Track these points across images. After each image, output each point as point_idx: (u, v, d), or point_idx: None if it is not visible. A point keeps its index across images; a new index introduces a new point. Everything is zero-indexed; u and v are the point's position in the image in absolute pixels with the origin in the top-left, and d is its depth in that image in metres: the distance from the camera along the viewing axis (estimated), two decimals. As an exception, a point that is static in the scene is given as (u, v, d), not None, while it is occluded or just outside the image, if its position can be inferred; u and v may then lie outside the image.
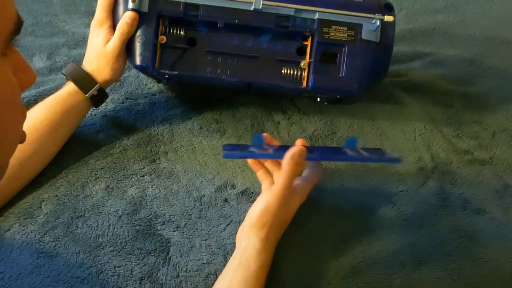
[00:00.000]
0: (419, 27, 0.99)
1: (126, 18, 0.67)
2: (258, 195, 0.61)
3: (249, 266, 0.56)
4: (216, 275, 0.60)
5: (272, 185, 0.61)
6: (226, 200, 0.68)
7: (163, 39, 0.69)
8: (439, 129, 0.79)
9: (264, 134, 0.64)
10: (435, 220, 0.67)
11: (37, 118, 0.66)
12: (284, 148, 0.60)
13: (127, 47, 0.69)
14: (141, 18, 0.67)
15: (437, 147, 0.76)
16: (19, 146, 0.64)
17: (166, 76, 0.70)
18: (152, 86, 0.81)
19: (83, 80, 0.68)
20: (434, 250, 0.64)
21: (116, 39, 0.67)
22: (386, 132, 0.78)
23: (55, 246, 0.61)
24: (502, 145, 0.78)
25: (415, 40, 0.97)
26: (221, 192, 0.68)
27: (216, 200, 0.68)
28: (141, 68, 0.70)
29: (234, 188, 0.69)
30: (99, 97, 0.70)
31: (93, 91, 0.68)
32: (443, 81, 0.87)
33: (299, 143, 0.63)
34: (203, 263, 0.61)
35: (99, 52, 0.68)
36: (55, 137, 0.68)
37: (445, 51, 0.94)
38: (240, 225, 0.61)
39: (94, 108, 0.74)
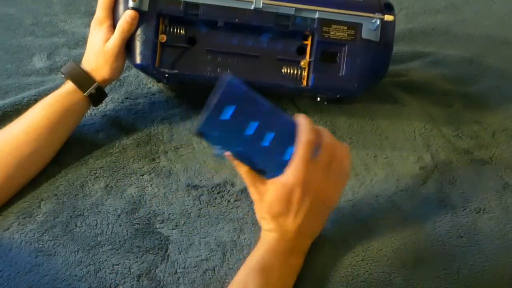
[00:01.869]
0: (419, 27, 0.99)
1: (126, 16, 0.67)
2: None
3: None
4: (214, 271, 0.60)
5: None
6: (225, 198, 0.68)
7: (163, 38, 0.69)
8: (439, 128, 0.79)
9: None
10: (435, 219, 0.67)
11: (35, 117, 0.66)
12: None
13: (127, 46, 0.69)
14: (141, 17, 0.67)
15: (437, 147, 0.76)
16: (18, 145, 0.64)
17: (166, 75, 0.70)
18: (152, 85, 0.82)
19: (82, 79, 0.68)
20: (434, 249, 0.64)
21: (116, 38, 0.67)
22: (386, 132, 0.78)
23: (53, 245, 0.61)
24: (502, 145, 0.78)
25: (415, 40, 0.97)
26: (221, 190, 0.68)
27: (215, 198, 0.67)
28: (141, 67, 0.70)
29: (233, 187, 0.69)
30: (98, 96, 0.70)
31: (92, 89, 0.68)
32: (443, 81, 0.87)
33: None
34: (202, 260, 0.61)
35: (98, 50, 0.68)
36: (54, 137, 0.68)
37: (445, 51, 0.94)
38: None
39: (94, 107, 0.74)
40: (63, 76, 0.69)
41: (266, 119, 0.55)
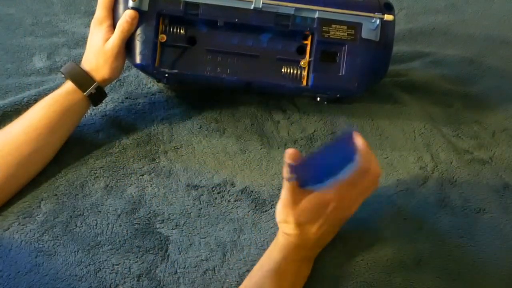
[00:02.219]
0: (419, 27, 0.99)
1: (126, 16, 0.67)
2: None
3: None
4: (214, 271, 0.60)
5: None
6: (225, 198, 0.68)
7: (163, 37, 0.69)
8: (439, 128, 0.79)
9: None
10: (435, 219, 0.67)
11: (35, 117, 0.66)
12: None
13: (127, 45, 0.69)
14: (141, 16, 0.67)
15: (437, 147, 0.76)
16: (18, 145, 0.64)
17: (166, 75, 0.70)
18: (152, 85, 0.81)
19: (81, 79, 0.68)
20: (434, 249, 0.64)
21: (116, 37, 0.67)
22: (386, 132, 0.78)
23: (53, 245, 0.61)
24: (502, 145, 0.78)
25: (415, 40, 0.97)
26: (221, 190, 0.68)
27: (215, 198, 0.68)
28: (141, 67, 0.70)
29: (233, 186, 0.69)
30: (97, 96, 0.70)
31: (91, 89, 0.68)
32: (443, 81, 0.87)
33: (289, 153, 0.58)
34: (202, 260, 0.61)
35: (98, 50, 0.68)
36: (54, 136, 0.68)
37: (445, 51, 0.94)
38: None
39: (94, 107, 0.74)
40: (63, 76, 0.69)
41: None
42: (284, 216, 0.57)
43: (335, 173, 0.55)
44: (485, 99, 0.85)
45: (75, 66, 0.69)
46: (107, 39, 0.67)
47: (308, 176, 0.56)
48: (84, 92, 0.68)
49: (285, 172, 0.56)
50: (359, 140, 0.57)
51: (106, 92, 0.71)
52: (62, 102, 0.67)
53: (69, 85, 0.68)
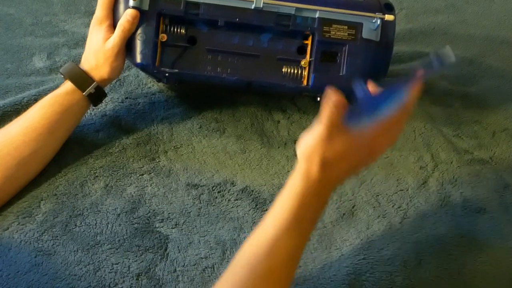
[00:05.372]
0: (419, 27, 0.99)
1: (127, 15, 0.67)
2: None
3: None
4: (213, 268, 0.60)
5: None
6: (225, 197, 0.68)
7: (163, 37, 0.69)
8: (439, 128, 0.79)
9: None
10: (435, 219, 0.67)
11: (35, 117, 0.66)
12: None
13: (128, 45, 0.69)
14: (142, 16, 0.68)
15: (437, 147, 0.76)
16: (17, 146, 0.64)
17: (167, 75, 0.70)
18: (152, 85, 0.82)
19: (80, 78, 0.68)
20: (434, 249, 0.64)
21: (116, 37, 0.67)
22: (386, 132, 0.78)
23: (53, 244, 0.61)
24: (502, 144, 0.78)
25: (415, 40, 0.97)
26: (221, 189, 0.68)
27: (215, 197, 0.67)
28: (142, 66, 0.70)
29: (234, 186, 0.69)
30: (97, 96, 0.69)
31: (91, 89, 0.68)
32: (443, 81, 0.87)
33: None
34: (201, 258, 0.61)
35: (98, 49, 0.68)
36: (54, 137, 0.68)
37: (445, 51, 0.94)
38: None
39: (94, 107, 0.74)
40: (62, 76, 0.69)
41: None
42: (311, 152, 0.51)
43: (381, 111, 0.52)
44: (485, 99, 0.85)
45: (74, 66, 0.69)
46: (107, 39, 0.67)
47: (353, 113, 0.52)
48: (83, 92, 0.68)
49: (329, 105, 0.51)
50: (416, 83, 0.53)
51: (106, 92, 0.71)
52: (62, 102, 0.67)
53: (68, 85, 0.68)
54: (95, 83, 0.68)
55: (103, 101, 0.72)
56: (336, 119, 0.52)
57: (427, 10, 1.04)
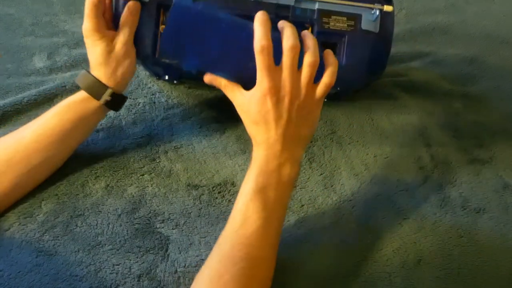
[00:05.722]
0: (419, 27, 0.99)
1: (129, 9, 0.65)
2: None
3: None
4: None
5: None
6: (226, 198, 0.68)
7: (163, 28, 0.69)
8: (439, 128, 0.79)
9: None
10: (435, 219, 0.67)
11: (48, 125, 0.64)
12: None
13: None
14: (142, 7, 0.67)
15: (436, 147, 0.76)
16: (29, 154, 0.63)
17: (166, 65, 0.69)
18: (152, 85, 0.82)
19: (94, 87, 0.65)
20: (434, 249, 0.64)
21: (124, 35, 0.65)
22: (386, 132, 0.78)
23: (54, 244, 0.61)
24: (502, 145, 0.78)
25: (415, 40, 0.97)
26: (221, 190, 0.68)
27: (216, 198, 0.68)
28: (141, 58, 0.69)
29: (234, 186, 0.69)
30: (115, 102, 0.67)
31: (106, 96, 0.66)
32: (443, 81, 0.88)
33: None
34: (202, 259, 0.61)
35: (106, 57, 0.65)
36: (66, 145, 0.66)
37: (445, 51, 0.94)
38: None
39: (114, 112, 0.72)
40: (78, 87, 0.66)
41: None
42: (247, 127, 0.57)
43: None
44: (485, 99, 0.85)
45: (87, 75, 0.66)
46: (109, 45, 0.64)
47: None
48: (98, 100, 0.65)
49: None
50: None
51: (124, 95, 0.69)
52: (76, 110, 0.65)
53: (83, 93, 0.66)
54: (110, 90, 0.66)
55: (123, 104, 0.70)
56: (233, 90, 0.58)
57: (427, 10, 1.04)
